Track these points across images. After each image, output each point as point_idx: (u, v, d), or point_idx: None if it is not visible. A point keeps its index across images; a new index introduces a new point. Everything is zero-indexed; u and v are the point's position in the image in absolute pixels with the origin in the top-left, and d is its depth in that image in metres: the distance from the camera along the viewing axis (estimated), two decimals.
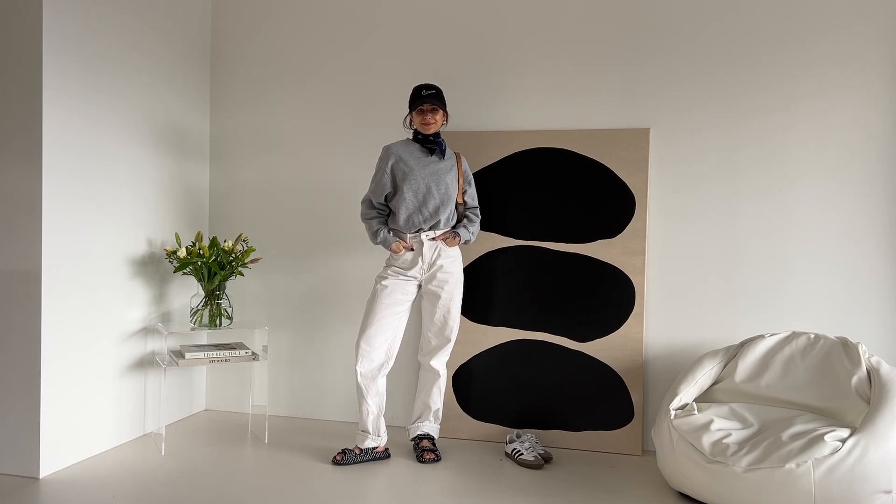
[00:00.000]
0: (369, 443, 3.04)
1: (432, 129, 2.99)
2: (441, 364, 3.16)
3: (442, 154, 3.04)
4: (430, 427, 3.17)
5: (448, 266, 3.04)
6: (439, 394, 3.18)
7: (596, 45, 3.34)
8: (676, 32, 3.26)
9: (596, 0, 3.34)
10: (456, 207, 3.08)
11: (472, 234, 3.13)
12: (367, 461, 3.03)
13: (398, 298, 3.02)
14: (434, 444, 3.13)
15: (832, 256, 3.12)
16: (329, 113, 3.66)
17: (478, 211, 3.20)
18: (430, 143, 3.01)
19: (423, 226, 3.00)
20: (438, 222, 3.01)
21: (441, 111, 2.99)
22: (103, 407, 3.12)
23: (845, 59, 3.09)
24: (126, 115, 3.21)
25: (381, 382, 3.06)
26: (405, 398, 3.51)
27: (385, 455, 3.08)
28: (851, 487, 2.30)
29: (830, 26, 3.10)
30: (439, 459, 3.06)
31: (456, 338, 3.17)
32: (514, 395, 3.37)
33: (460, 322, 3.18)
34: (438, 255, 3.03)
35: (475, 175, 3.35)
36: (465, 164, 3.16)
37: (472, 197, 3.18)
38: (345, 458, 2.99)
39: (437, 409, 3.19)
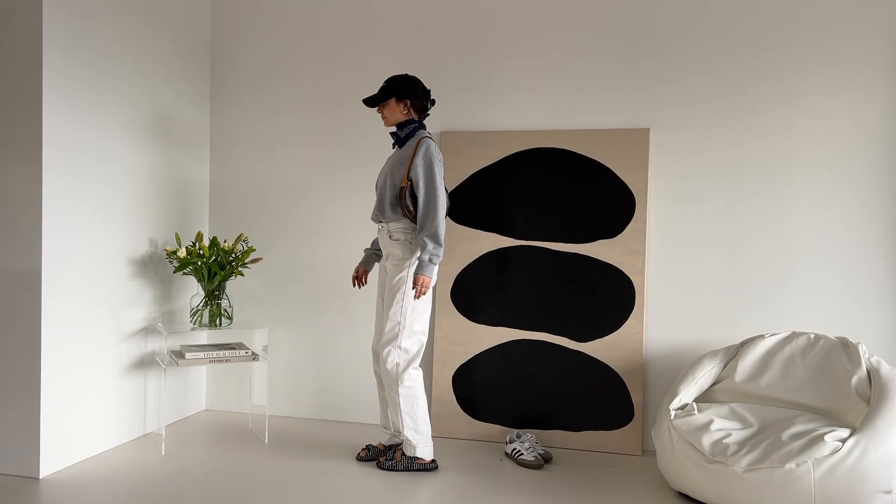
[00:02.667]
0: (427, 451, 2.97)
1: (388, 124, 2.97)
2: (386, 368, 2.91)
3: (402, 144, 2.96)
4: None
5: (391, 268, 2.93)
6: (395, 411, 2.94)
7: (596, 46, 3.34)
8: (676, 33, 3.26)
9: (596, 0, 3.34)
10: (402, 203, 2.83)
11: (426, 257, 2.77)
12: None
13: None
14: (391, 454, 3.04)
15: (832, 256, 3.12)
16: (329, 112, 3.66)
17: (427, 219, 2.77)
18: (393, 135, 2.99)
19: (381, 220, 2.96)
20: (386, 217, 2.92)
21: (387, 105, 2.93)
22: (103, 407, 3.12)
23: (845, 59, 3.09)
24: (126, 114, 3.21)
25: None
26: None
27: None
28: (851, 487, 2.30)
29: (830, 26, 3.10)
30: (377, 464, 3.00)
31: (396, 340, 2.88)
32: (514, 395, 3.37)
33: (464, 323, 3.17)
34: (388, 255, 2.96)
35: (476, 175, 3.35)
36: (420, 152, 2.82)
37: (421, 193, 2.80)
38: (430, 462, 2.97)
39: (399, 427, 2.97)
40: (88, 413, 3.04)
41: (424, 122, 2.99)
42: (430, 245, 2.78)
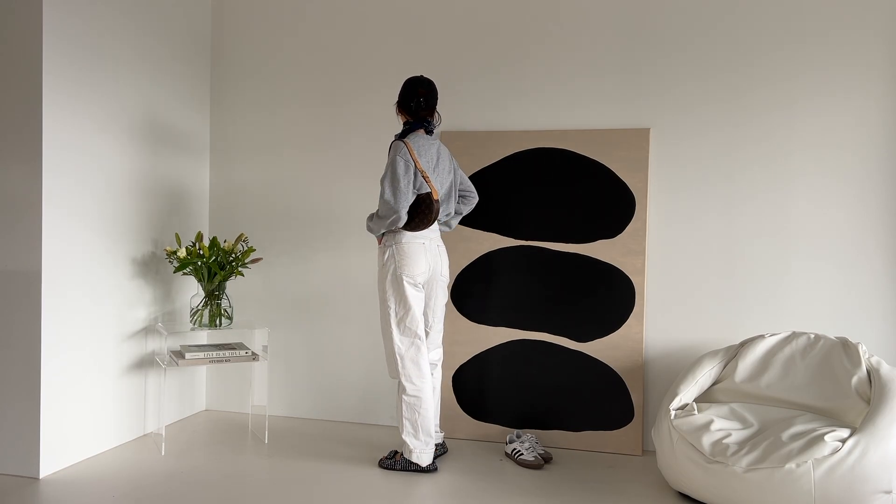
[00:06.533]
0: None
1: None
2: (390, 373, 3.00)
3: None
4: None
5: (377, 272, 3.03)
6: (397, 413, 2.96)
7: (596, 46, 3.34)
8: (676, 33, 3.26)
9: (596, 0, 3.34)
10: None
11: (371, 226, 2.92)
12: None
13: None
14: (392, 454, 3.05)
15: (832, 256, 3.12)
16: (329, 112, 3.66)
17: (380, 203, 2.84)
18: None
19: None
20: None
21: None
22: (103, 407, 3.12)
23: (845, 59, 3.09)
24: (126, 114, 3.21)
25: None
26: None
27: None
28: (851, 487, 2.30)
29: (830, 26, 3.10)
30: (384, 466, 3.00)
31: (389, 344, 2.92)
32: (514, 395, 3.36)
33: (463, 323, 3.16)
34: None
35: (476, 175, 3.35)
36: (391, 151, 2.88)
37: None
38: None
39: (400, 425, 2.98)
40: (88, 413, 3.04)
41: (431, 121, 2.93)
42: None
